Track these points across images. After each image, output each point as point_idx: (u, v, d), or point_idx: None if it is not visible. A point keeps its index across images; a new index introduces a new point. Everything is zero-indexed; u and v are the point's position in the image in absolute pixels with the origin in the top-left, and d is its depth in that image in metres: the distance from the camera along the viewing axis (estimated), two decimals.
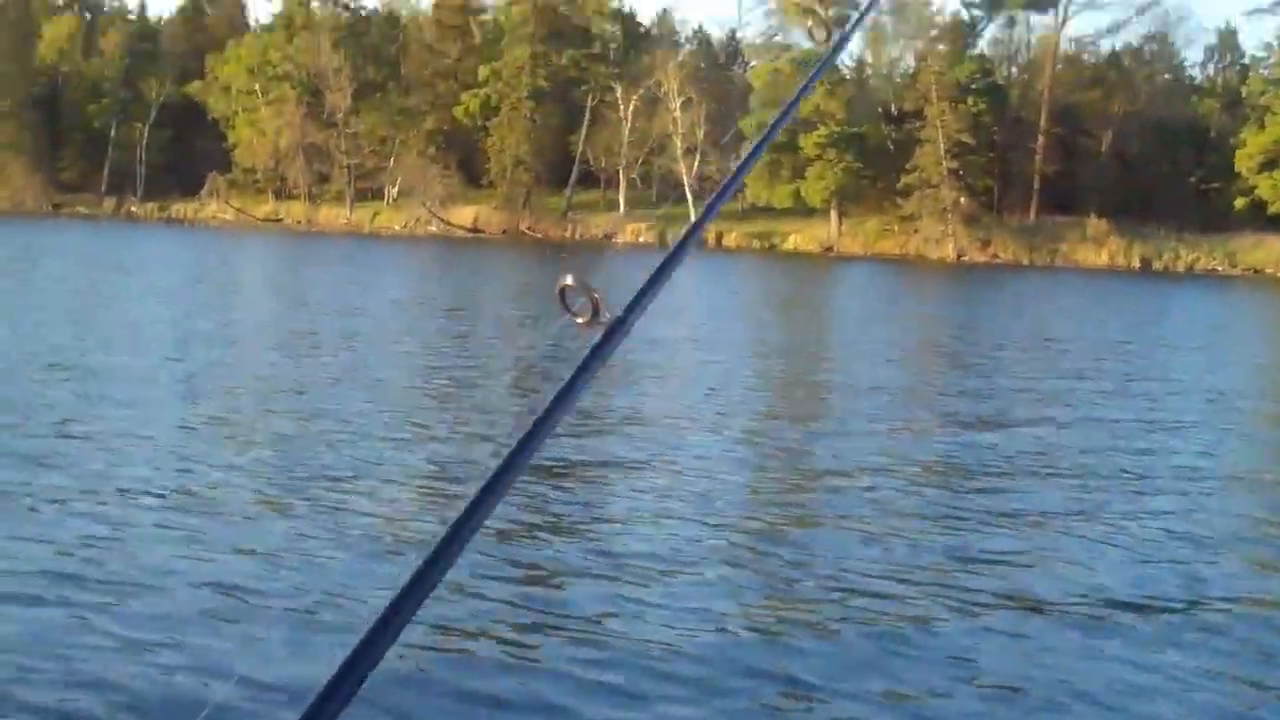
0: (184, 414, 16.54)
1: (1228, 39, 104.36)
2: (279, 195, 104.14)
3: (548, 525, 11.59)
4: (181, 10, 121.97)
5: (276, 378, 20.65)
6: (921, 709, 7.83)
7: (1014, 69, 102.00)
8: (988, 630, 9.28)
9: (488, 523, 1.98)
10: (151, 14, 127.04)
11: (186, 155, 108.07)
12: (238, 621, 8.71)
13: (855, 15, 3.78)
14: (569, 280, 2.11)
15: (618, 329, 2.18)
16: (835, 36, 3.40)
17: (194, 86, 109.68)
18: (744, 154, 2.95)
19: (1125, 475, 15.45)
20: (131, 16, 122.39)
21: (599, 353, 2.16)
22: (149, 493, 12.16)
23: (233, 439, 15.23)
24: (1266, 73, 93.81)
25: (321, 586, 9.46)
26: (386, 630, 1.84)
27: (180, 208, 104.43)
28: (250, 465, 13.69)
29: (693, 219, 2.61)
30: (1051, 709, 7.87)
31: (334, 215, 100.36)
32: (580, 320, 2.14)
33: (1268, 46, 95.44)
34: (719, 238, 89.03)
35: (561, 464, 13.93)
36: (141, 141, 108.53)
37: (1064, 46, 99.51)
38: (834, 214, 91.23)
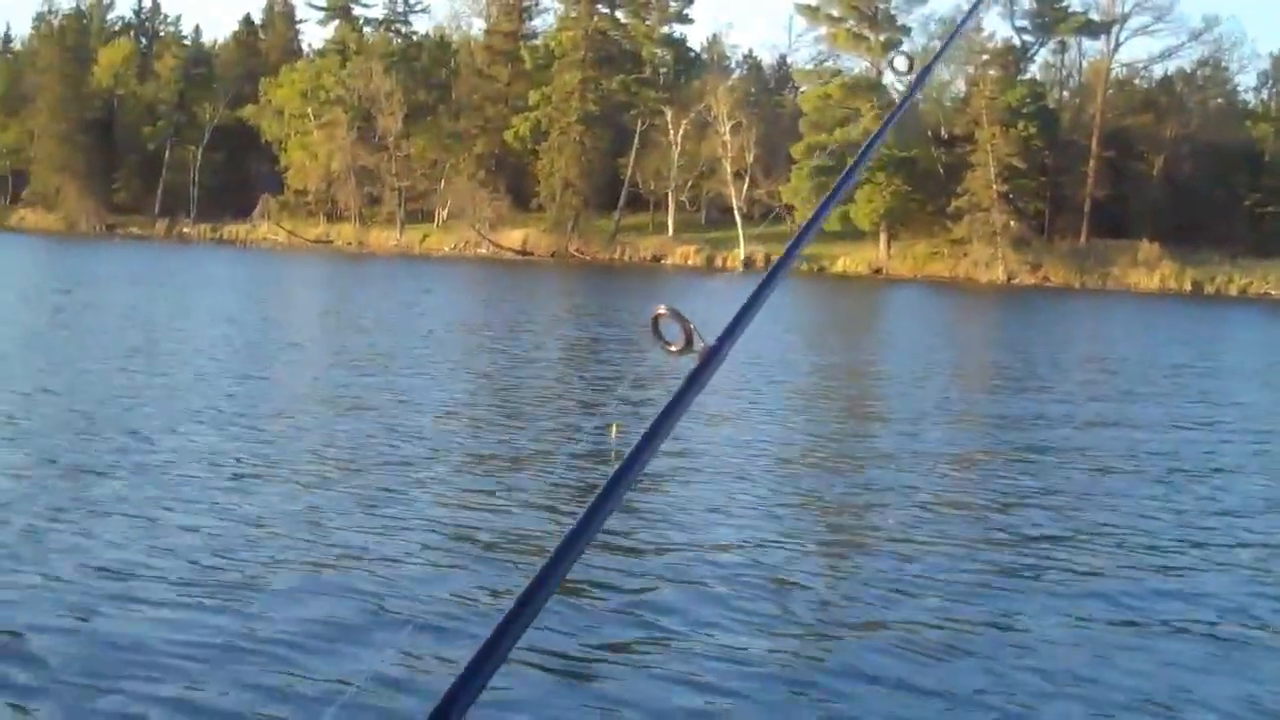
0: (255, 428, 16.71)
1: None
2: (330, 217, 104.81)
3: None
4: (236, 35, 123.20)
5: (344, 393, 20.78)
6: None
7: (1065, 93, 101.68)
8: (1034, 634, 9.35)
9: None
10: (206, 38, 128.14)
11: (239, 177, 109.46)
12: (365, 628, 8.90)
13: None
14: (662, 309, 2.13)
15: (713, 357, 2.18)
16: (916, 70, 3.41)
17: (247, 110, 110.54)
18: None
19: (1179, 481, 15.70)
20: (186, 41, 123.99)
21: (695, 381, 2.16)
22: (229, 503, 12.38)
23: (308, 451, 15.47)
24: None
25: (409, 590, 9.67)
26: (498, 646, 1.92)
27: (232, 229, 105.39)
28: (331, 476, 13.84)
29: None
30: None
31: (384, 237, 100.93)
32: (674, 349, 2.15)
33: None
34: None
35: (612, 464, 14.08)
36: (195, 163, 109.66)
37: (1116, 71, 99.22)
38: (883, 237, 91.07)
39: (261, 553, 10.68)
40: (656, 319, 2.14)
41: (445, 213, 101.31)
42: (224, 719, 7.35)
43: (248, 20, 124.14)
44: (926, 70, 3.67)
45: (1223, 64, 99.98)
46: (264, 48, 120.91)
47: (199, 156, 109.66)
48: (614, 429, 16.59)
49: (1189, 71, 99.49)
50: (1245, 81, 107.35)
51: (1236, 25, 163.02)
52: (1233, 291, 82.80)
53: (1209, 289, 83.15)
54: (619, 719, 7.63)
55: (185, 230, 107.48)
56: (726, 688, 8.13)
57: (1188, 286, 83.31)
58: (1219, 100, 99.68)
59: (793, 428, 20.06)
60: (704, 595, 10.12)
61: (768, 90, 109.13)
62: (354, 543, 11.14)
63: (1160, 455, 18.37)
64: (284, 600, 9.38)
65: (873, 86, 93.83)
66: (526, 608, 1.94)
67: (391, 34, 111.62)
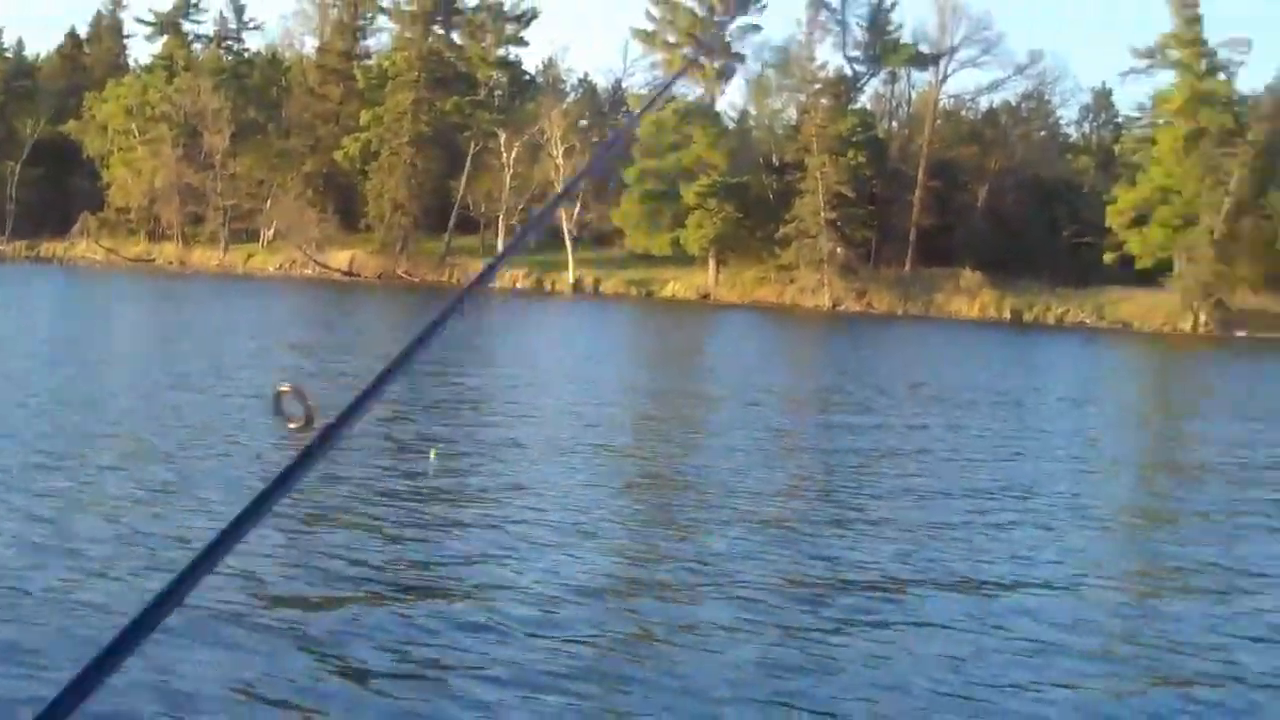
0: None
1: (1102, 99, 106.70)
2: (152, 236, 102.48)
3: (410, 548, 11.94)
4: (60, 49, 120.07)
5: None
6: None
7: (894, 124, 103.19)
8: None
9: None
10: (29, 51, 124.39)
11: (59, 194, 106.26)
12: None
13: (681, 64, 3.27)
14: (285, 386, 2.03)
15: (330, 436, 2.05)
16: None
17: (70, 125, 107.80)
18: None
19: (993, 497, 17.06)
20: (8, 54, 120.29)
21: (309, 456, 2.02)
22: None
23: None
24: (1139, 131, 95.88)
25: None
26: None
27: (49, 246, 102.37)
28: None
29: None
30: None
31: (207, 256, 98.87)
32: (293, 426, 2.02)
33: (1140, 106, 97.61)
34: (596, 284, 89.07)
35: (430, 489, 14.55)
36: (12, 179, 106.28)
37: (943, 103, 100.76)
38: (712, 262, 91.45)
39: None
40: (279, 395, 1.98)
41: (271, 232, 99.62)
42: None
43: (73, 34, 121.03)
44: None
45: (1046, 97, 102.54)
46: (89, 62, 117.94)
47: (17, 172, 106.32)
48: (433, 454, 17.21)
49: (1013, 104, 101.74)
50: (1067, 115, 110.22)
51: (1059, 60, 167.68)
52: (1050, 320, 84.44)
53: (1028, 316, 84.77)
54: None
55: (0, 247, 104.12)
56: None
57: (1007, 314, 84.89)
58: (1041, 133, 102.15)
59: (622, 449, 20.08)
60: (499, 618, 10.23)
61: (602, 114, 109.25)
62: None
63: (979, 468, 19.44)
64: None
65: (706, 113, 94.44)
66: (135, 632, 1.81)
67: (223, 50, 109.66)
